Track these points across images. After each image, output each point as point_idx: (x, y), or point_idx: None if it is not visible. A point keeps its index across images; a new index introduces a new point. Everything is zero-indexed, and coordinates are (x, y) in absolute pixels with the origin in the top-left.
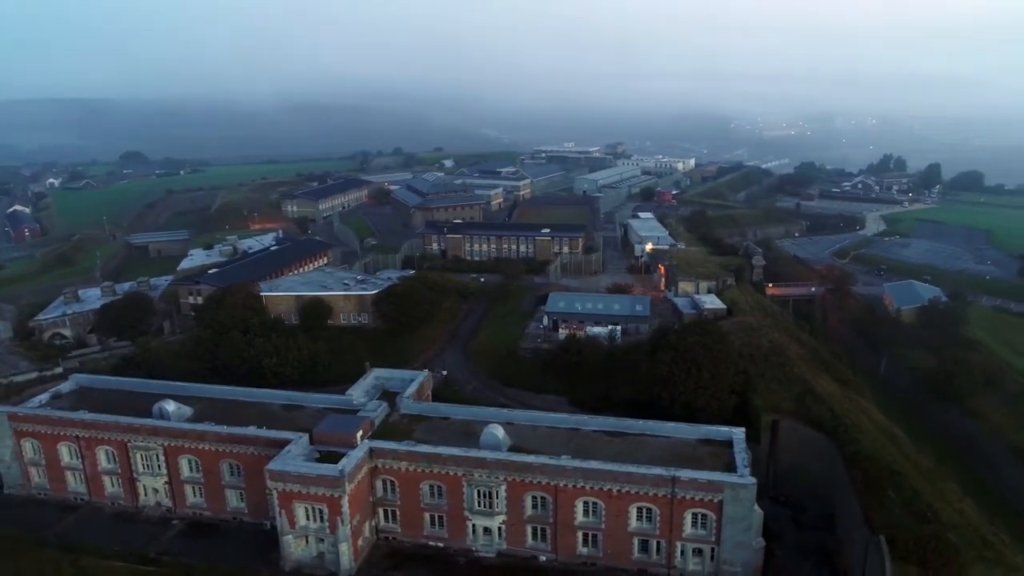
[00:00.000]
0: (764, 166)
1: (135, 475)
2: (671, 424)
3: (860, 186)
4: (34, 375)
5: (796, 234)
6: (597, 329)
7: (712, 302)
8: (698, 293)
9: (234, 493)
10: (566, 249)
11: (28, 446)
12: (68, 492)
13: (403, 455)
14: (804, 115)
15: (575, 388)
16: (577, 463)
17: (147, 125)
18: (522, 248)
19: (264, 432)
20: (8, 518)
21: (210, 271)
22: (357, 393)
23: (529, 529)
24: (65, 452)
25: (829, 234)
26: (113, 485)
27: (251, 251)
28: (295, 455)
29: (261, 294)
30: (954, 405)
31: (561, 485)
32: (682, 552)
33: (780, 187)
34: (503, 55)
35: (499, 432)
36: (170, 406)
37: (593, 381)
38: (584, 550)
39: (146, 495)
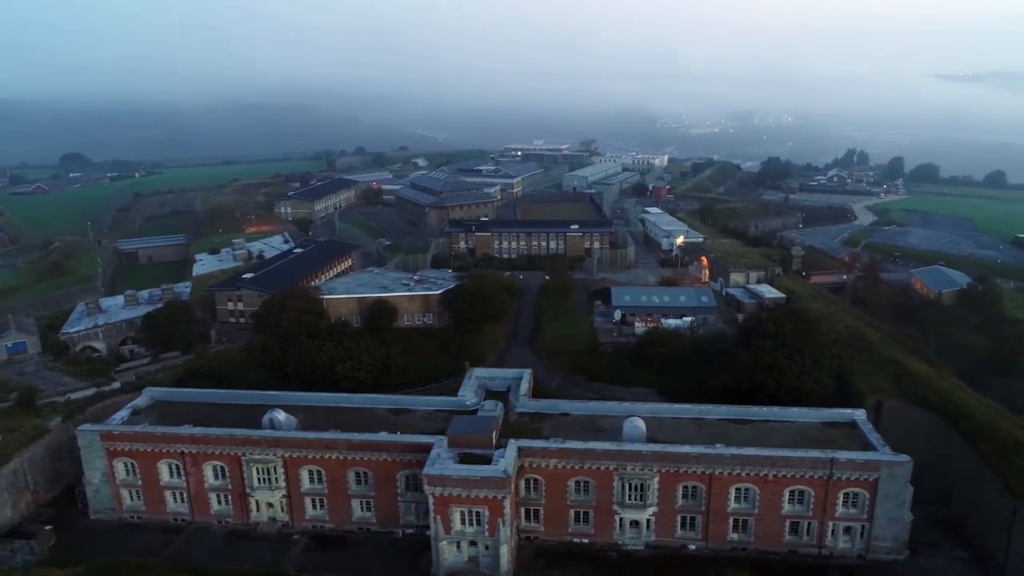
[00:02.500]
0: (734, 162)
1: (248, 490)
2: (795, 409)
3: (835, 179)
4: (91, 391)
5: (800, 225)
6: (672, 321)
7: (770, 291)
8: (748, 283)
9: (360, 503)
10: (596, 244)
11: (121, 466)
12: (167, 513)
13: (553, 453)
14: (725, 113)
15: (663, 379)
16: (734, 450)
17: (63, 126)
18: (552, 244)
19: (401, 437)
20: (108, 544)
21: (244, 276)
22: (467, 394)
23: (679, 519)
24: (165, 470)
25: (828, 225)
26: (221, 502)
27: (266, 255)
28: (444, 459)
29: (322, 297)
30: (1019, 380)
31: (716, 473)
32: (833, 531)
33: (761, 181)
34: (435, 54)
35: (641, 425)
36: (280, 415)
37: (680, 372)
38: (734, 536)
39: (258, 511)
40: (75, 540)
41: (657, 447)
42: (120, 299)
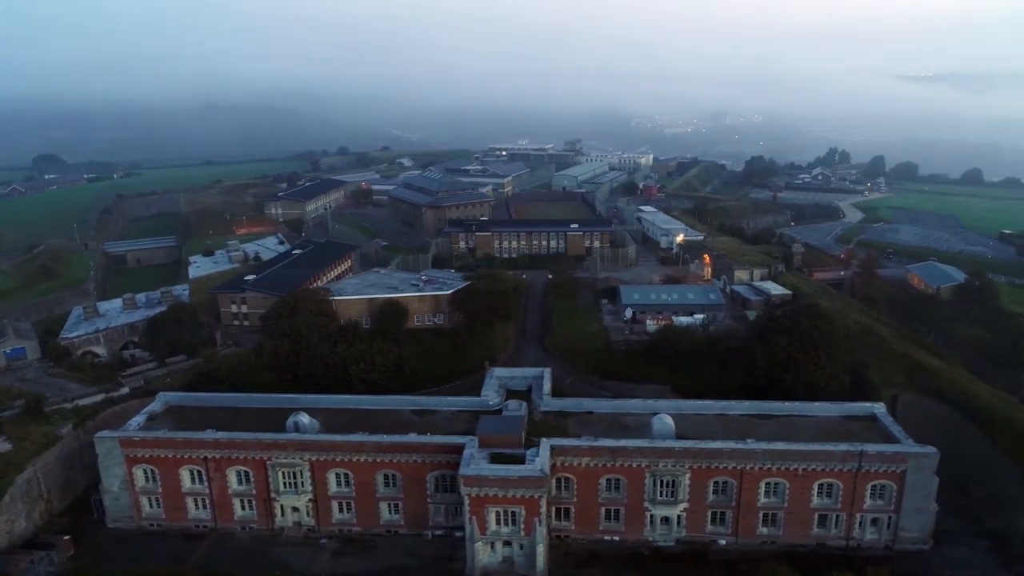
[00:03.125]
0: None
1: (273, 495)
2: (815, 404)
3: (820, 178)
4: (100, 397)
5: (791, 223)
6: (684, 319)
7: (775, 288)
8: (752, 280)
9: (388, 505)
10: (597, 243)
11: (140, 473)
12: (188, 520)
13: (586, 451)
14: (698, 112)
15: (676, 377)
16: (765, 445)
17: (32, 127)
18: (552, 243)
19: (432, 438)
20: (129, 553)
21: (247, 277)
22: (490, 393)
23: (709, 514)
24: (187, 476)
25: (817, 222)
26: (244, 508)
27: (261, 256)
28: (478, 459)
29: (331, 298)
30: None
31: (747, 468)
32: (860, 523)
33: (746, 180)
34: (411, 54)
35: (671, 421)
36: (304, 419)
37: (693, 369)
38: (764, 530)
39: (283, 515)
40: (94, 550)
41: (689, 443)
42: (118, 303)
